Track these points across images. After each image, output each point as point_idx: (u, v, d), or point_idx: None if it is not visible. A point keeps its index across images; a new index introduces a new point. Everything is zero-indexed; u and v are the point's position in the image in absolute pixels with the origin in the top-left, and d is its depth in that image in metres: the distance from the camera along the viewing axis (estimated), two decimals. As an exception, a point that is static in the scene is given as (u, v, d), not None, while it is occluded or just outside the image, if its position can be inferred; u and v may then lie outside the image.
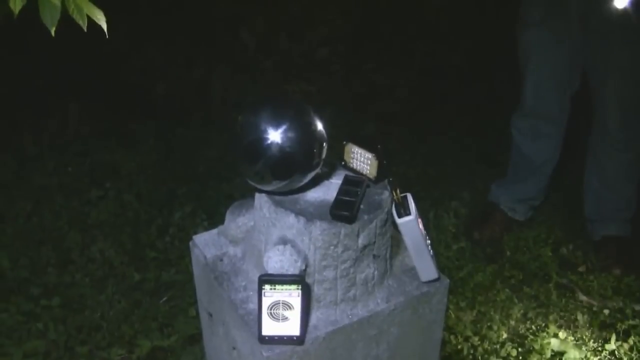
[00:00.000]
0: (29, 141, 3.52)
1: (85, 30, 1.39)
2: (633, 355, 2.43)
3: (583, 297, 2.68)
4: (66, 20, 1.38)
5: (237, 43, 4.26)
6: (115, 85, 3.85)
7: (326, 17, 4.37)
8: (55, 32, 1.36)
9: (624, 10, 2.36)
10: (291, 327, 1.41)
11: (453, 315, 2.54)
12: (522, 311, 2.61)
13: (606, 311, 2.61)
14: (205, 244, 1.72)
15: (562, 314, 2.61)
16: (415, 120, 3.89)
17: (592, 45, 2.57)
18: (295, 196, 1.52)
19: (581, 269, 2.82)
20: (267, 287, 1.38)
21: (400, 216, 1.50)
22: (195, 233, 1.79)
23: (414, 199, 1.54)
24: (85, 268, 2.75)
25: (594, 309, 2.63)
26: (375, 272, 1.54)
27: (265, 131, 1.40)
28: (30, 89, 3.73)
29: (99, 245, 2.85)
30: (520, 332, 2.53)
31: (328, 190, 1.54)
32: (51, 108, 3.69)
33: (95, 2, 1.42)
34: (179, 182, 3.27)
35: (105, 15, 1.42)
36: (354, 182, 1.54)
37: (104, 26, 1.42)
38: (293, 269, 1.41)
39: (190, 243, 1.76)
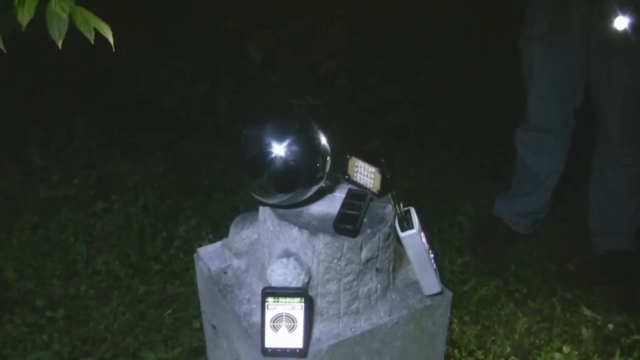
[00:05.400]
0: (35, 153, 3.54)
1: (93, 43, 1.40)
2: (637, 370, 2.43)
3: (587, 312, 2.68)
4: (73, 33, 1.40)
5: (243, 57, 4.28)
6: (121, 98, 3.87)
7: (332, 31, 4.39)
8: (62, 45, 1.38)
9: (625, 31, 2.38)
10: (294, 339, 1.41)
11: (457, 329, 2.54)
12: (526, 325, 2.60)
13: (610, 326, 2.60)
14: (210, 257, 1.73)
15: (566, 328, 2.60)
16: (420, 135, 3.90)
17: (594, 60, 2.58)
18: (299, 209, 1.53)
19: (585, 283, 2.81)
20: (270, 299, 1.39)
21: (403, 230, 1.50)
22: (200, 246, 1.80)
23: (417, 213, 1.55)
24: (90, 280, 2.76)
25: (598, 323, 2.63)
26: (378, 286, 1.54)
27: (269, 145, 1.42)
28: (37, 102, 3.76)
29: (104, 257, 2.85)
30: (524, 346, 2.52)
31: (332, 204, 1.55)
32: (57, 121, 3.71)
33: (102, 16, 1.44)
34: (184, 195, 3.28)
35: (112, 29, 1.44)
36: (358, 196, 1.55)
37: (111, 39, 1.44)
38: (296, 282, 1.42)
39: (195, 255, 1.77)
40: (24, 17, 1.34)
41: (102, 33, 1.42)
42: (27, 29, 1.37)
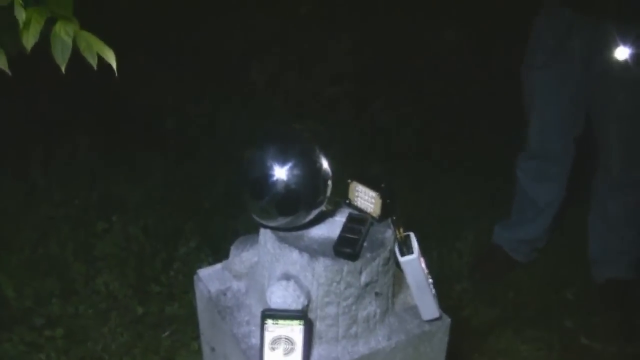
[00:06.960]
0: (37, 172, 3.55)
1: (96, 68, 1.41)
2: (636, 399, 2.42)
3: (586, 340, 2.67)
4: (77, 55, 1.41)
5: (246, 80, 4.30)
6: (124, 118, 3.89)
7: (335, 55, 4.42)
8: (65, 68, 1.39)
9: (625, 62, 2.40)
10: (292, 362, 1.41)
11: (455, 355, 2.53)
12: (524, 353, 2.59)
13: (609, 354, 2.59)
14: (210, 278, 1.74)
15: (565, 356, 2.59)
16: (421, 160, 3.91)
17: (595, 90, 2.60)
18: (300, 232, 1.54)
19: (585, 311, 2.81)
20: (269, 321, 1.39)
21: (402, 255, 1.51)
22: (200, 268, 1.80)
23: (417, 238, 1.55)
24: (89, 300, 2.76)
25: (597, 352, 2.62)
26: (377, 310, 1.55)
27: (271, 168, 1.43)
28: (40, 121, 3.77)
29: (103, 277, 2.85)
30: (523, 374, 2.52)
31: (332, 228, 1.56)
32: (60, 140, 3.72)
33: (106, 40, 1.45)
34: (185, 216, 3.28)
35: (116, 50, 1.45)
36: (358, 220, 1.56)
37: (114, 65, 1.44)
38: (296, 304, 1.42)
39: (195, 277, 1.77)
40: (29, 40, 1.35)
41: (105, 57, 1.43)
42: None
